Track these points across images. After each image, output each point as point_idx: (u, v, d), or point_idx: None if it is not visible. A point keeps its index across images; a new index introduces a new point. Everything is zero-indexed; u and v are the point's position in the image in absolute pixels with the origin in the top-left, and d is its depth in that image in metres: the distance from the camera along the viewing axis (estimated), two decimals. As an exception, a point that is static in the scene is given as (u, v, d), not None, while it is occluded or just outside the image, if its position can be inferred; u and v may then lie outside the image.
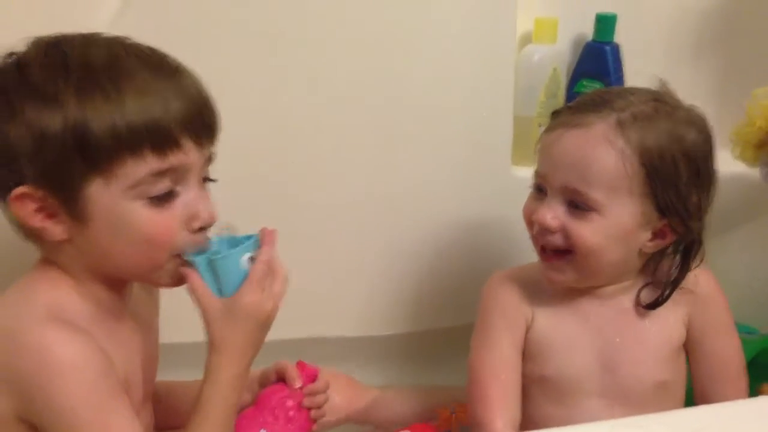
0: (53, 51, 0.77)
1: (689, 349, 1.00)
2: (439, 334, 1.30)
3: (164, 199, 0.78)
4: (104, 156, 0.74)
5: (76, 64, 0.75)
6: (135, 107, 0.74)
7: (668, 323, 0.98)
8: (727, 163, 1.17)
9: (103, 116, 0.74)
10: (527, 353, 0.98)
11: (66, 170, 0.75)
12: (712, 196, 0.95)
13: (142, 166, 0.75)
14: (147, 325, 0.91)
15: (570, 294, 0.98)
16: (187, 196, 0.79)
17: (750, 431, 0.69)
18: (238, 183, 1.14)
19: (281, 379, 1.00)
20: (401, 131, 1.23)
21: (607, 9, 1.31)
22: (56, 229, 0.78)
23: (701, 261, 0.97)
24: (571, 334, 0.97)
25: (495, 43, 1.25)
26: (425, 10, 1.20)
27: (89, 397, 0.75)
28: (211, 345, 0.83)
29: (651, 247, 0.94)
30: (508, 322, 0.98)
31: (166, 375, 0.98)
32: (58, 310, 0.78)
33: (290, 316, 1.23)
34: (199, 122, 0.78)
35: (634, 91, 0.95)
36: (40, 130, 0.74)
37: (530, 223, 0.95)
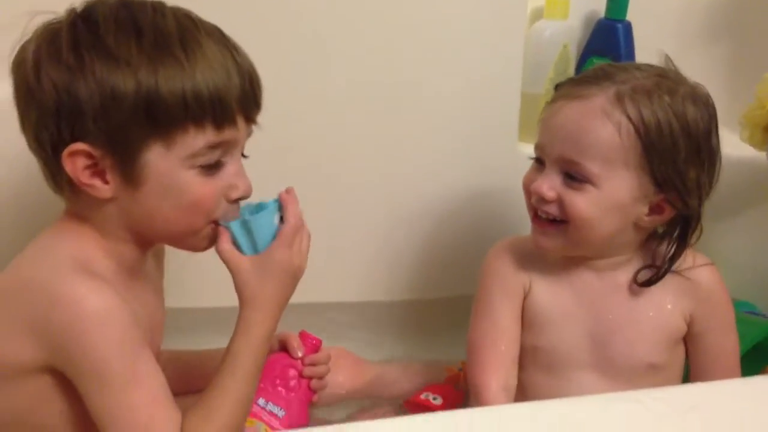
0: (124, 13, 0.77)
1: (688, 342, 1.00)
2: (440, 304, 1.30)
3: (213, 168, 0.81)
4: (170, 122, 0.77)
5: (149, 29, 0.77)
6: (203, 79, 0.77)
7: (665, 310, 0.98)
8: (736, 147, 1.16)
9: (174, 83, 0.76)
10: (524, 322, 1.00)
11: (130, 133, 0.77)
12: (715, 174, 0.94)
13: (200, 138, 0.78)
14: (156, 285, 0.93)
15: (567, 266, 0.99)
16: (231, 168, 0.82)
17: (745, 409, 0.69)
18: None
19: (284, 348, 1.01)
20: (408, 105, 1.22)
21: (620, -14, 1.29)
22: (104, 188, 0.79)
23: (698, 239, 0.96)
24: (565, 305, 0.98)
25: (505, 18, 1.24)
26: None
27: (121, 348, 0.77)
28: (245, 301, 0.85)
29: (648, 221, 0.94)
30: (506, 291, 1.00)
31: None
32: (84, 262, 0.80)
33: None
34: (253, 100, 0.82)
35: (639, 67, 0.95)
36: (111, 90, 0.75)
37: (528, 192, 0.96)
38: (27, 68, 0.77)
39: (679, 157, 0.90)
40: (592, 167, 0.90)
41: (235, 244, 0.84)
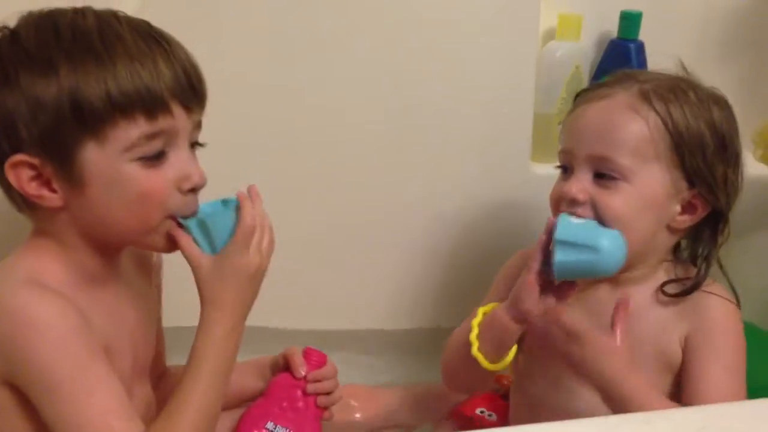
0: (44, 20, 0.79)
1: (682, 371, 0.94)
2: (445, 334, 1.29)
3: (156, 159, 0.79)
4: (98, 119, 0.76)
5: (67, 30, 0.77)
6: (126, 72, 0.76)
7: (665, 335, 0.94)
8: (750, 166, 1.15)
9: (95, 81, 0.75)
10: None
11: (61, 135, 0.76)
12: (740, 175, 0.94)
13: (134, 129, 0.77)
14: (139, 297, 0.91)
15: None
16: (178, 158, 0.81)
17: (753, 431, 0.68)
18: (260, 177, 1.15)
19: (288, 367, 1.00)
20: (421, 126, 1.22)
21: (632, 6, 1.29)
22: (52, 197, 0.79)
23: (727, 238, 0.94)
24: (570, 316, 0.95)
25: (517, 39, 1.24)
26: (448, 4, 1.20)
27: (65, 354, 0.76)
28: (204, 300, 0.84)
29: (680, 222, 0.93)
30: (506, 286, 0.97)
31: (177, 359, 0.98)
32: (36, 275, 0.80)
33: (314, 308, 1.25)
34: (188, 88, 0.80)
35: (658, 70, 0.96)
36: (35, 97, 0.76)
37: (556, 204, 0.93)
38: None
39: (708, 151, 0.90)
40: (625, 161, 0.89)
41: (195, 242, 0.83)
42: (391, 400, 1.17)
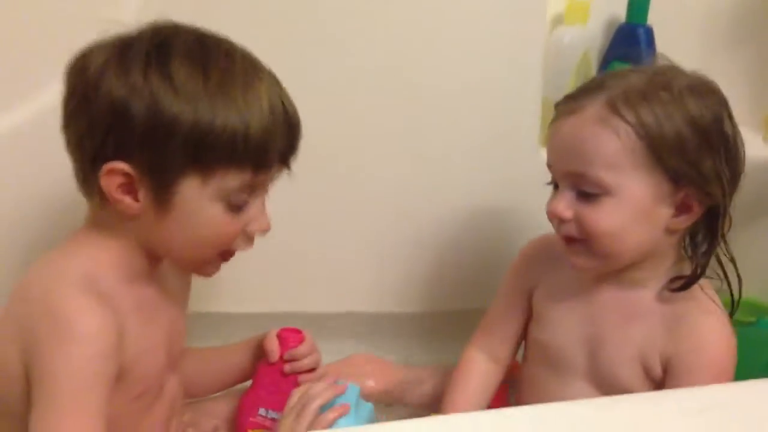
0: (197, 52, 0.79)
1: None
2: (457, 316, 1.28)
3: (240, 207, 0.82)
4: (215, 160, 0.78)
5: (217, 72, 0.78)
6: (257, 125, 0.79)
7: (650, 353, 0.94)
8: (761, 149, 1.15)
9: (229, 122, 0.77)
10: (533, 313, 1.02)
11: (174, 162, 0.78)
12: (739, 161, 0.91)
13: (239, 178, 0.80)
14: (176, 300, 0.93)
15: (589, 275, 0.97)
16: (256, 207, 0.84)
17: (760, 410, 0.68)
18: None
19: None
20: (428, 112, 1.22)
21: (640, -10, 1.28)
22: (133, 205, 0.80)
23: (729, 228, 0.93)
24: (566, 306, 0.98)
25: (525, 25, 1.23)
26: (455, -11, 1.19)
27: (79, 372, 0.77)
28: None
29: (678, 222, 0.91)
30: (517, 279, 1.04)
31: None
32: (90, 275, 0.81)
33: (313, 291, 1.25)
34: (294, 149, 0.84)
35: (635, 69, 0.94)
36: (168, 119, 0.77)
37: (548, 215, 0.95)
38: (88, 75, 0.78)
39: (688, 149, 0.88)
40: (600, 175, 0.88)
41: None
42: (407, 377, 1.18)
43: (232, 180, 0.79)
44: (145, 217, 0.81)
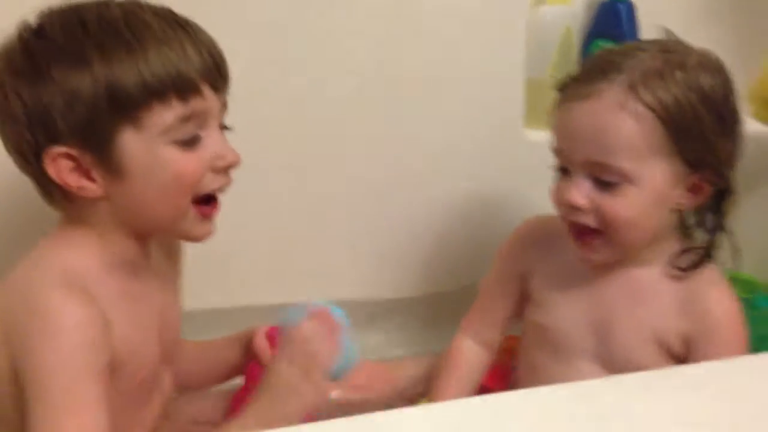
0: (69, 13, 0.80)
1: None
2: (449, 297, 1.29)
3: (192, 142, 0.81)
4: (134, 106, 0.78)
5: (93, 21, 0.79)
6: (157, 57, 0.78)
7: (662, 323, 0.94)
8: (745, 123, 1.15)
9: (129, 68, 0.77)
10: (531, 297, 1.01)
11: (99, 124, 0.78)
12: (740, 138, 0.91)
13: (169, 112, 0.79)
14: (167, 287, 0.93)
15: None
16: (211, 139, 0.83)
17: (755, 385, 0.68)
18: (255, 151, 1.15)
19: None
20: (411, 95, 1.21)
21: (621, -33, 1.28)
22: (93, 186, 0.80)
23: (733, 205, 0.93)
24: (571, 288, 0.97)
25: (506, 3, 1.23)
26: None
27: (70, 365, 0.76)
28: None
29: (686, 203, 0.91)
30: (510, 261, 1.02)
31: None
32: (71, 271, 0.81)
33: (307, 281, 1.24)
34: (215, 69, 0.83)
35: (641, 47, 0.91)
36: (70, 89, 0.77)
37: (559, 204, 0.92)
38: None
39: (706, 132, 0.87)
40: (623, 164, 0.86)
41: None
42: (407, 373, 1.17)
43: (161, 117, 0.79)
44: (113, 193, 0.81)
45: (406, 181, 1.25)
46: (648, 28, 1.29)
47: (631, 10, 1.29)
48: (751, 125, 1.15)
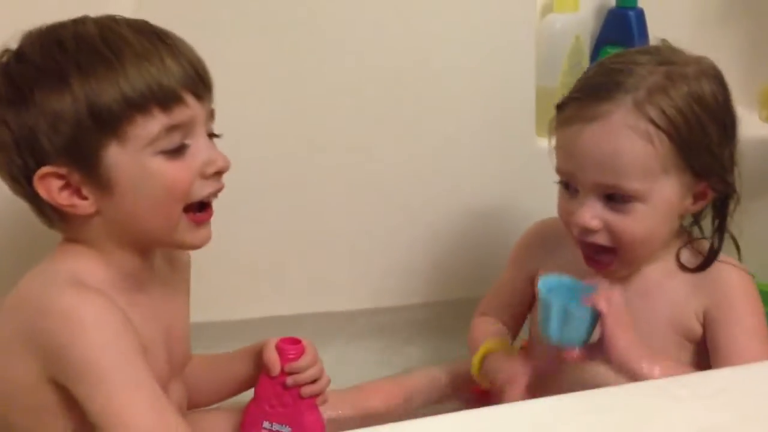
0: (47, 35, 0.81)
1: (709, 347, 0.93)
2: (454, 306, 1.28)
3: (178, 152, 0.81)
4: (116, 120, 0.78)
5: (70, 40, 0.80)
6: (136, 71, 0.78)
7: (678, 308, 0.93)
8: (755, 127, 1.15)
9: (108, 85, 0.78)
10: None
11: (83, 142, 0.79)
12: (737, 140, 0.92)
13: (152, 123, 0.79)
14: (174, 300, 0.93)
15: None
16: (198, 147, 0.83)
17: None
18: (261, 165, 1.16)
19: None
20: (421, 103, 1.22)
21: (630, -26, 1.29)
22: (84, 204, 0.81)
23: (737, 206, 0.93)
24: None
25: (515, 13, 1.23)
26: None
27: (112, 349, 0.77)
28: None
29: (694, 209, 0.92)
30: (519, 266, 1.03)
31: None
32: (78, 275, 0.81)
33: (306, 291, 1.25)
34: (197, 78, 0.83)
35: (637, 60, 0.90)
36: (52, 110, 0.78)
37: (569, 225, 0.91)
38: None
39: (712, 143, 0.88)
40: (635, 185, 0.86)
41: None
42: (414, 385, 1.17)
43: (145, 128, 0.79)
44: (105, 209, 0.81)
45: (413, 189, 1.25)
46: (657, 35, 1.29)
47: (640, 16, 1.29)
48: (759, 129, 1.15)
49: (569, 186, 0.91)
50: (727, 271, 0.93)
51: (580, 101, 0.89)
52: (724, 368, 0.82)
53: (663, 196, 0.88)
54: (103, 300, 0.79)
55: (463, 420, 0.68)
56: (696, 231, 0.96)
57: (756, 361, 0.87)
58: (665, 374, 0.83)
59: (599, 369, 0.90)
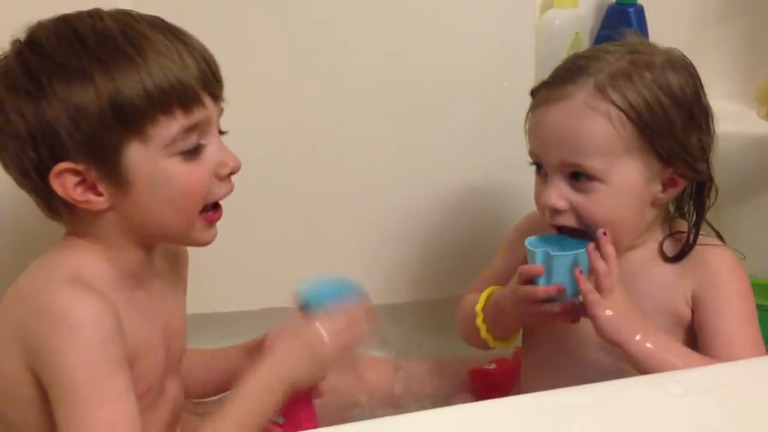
0: (63, 28, 0.80)
1: (696, 329, 0.94)
2: (449, 303, 1.29)
3: (195, 152, 0.82)
4: (139, 118, 0.78)
5: (90, 35, 0.78)
6: (159, 68, 0.78)
7: (666, 292, 0.95)
8: (754, 124, 1.15)
9: (132, 81, 0.77)
10: None
11: (106, 139, 0.78)
12: (712, 131, 0.93)
13: (174, 124, 0.79)
14: (171, 296, 0.93)
15: None
16: (212, 148, 0.83)
17: (765, 388, 0.69)
18: (256, 152, 1.16)
19: None
20: (419, 99, 1.22)
21: (629, -30, 1.29)
22: (99, 200, 0.80)
23: (716, 198, 0.94)
24: None
25: (515, 9, 1.24)
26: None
27: (91, 359, 0.77)
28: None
29: (665, 197, 0.93)
30: (511, 256, 1.02)
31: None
32: (79, 273, 0.81)
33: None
34: (212, 77, 0.83)
35: (608, 49, 0.93)
36: (75, 105, 0.77)
37: (540, 207, 0.94)
38: None
39: (676, 129, 0.89)
40: (596, 164, 0.88)
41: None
42: (406, 371, 1.18)
43: (167, 129, 0.79)
44: (119, 205, 0.81)
45: (408, 186, 1.25)
46: (657, 31, 1.30)
47: (640, 13, 1.29)
48: (758, 127, 1.15)
49: (540, 169, 0.93)
50: (713, 253, 0.94)
51: (548, 85, 0.93)
52: (718, 364, 0.83)
53: (625, 177, 0.89)
54: (97, 303, 0.78)
55: (462, 413, 0.69)
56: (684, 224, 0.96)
57: (746, 346, 0.89)
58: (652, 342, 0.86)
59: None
